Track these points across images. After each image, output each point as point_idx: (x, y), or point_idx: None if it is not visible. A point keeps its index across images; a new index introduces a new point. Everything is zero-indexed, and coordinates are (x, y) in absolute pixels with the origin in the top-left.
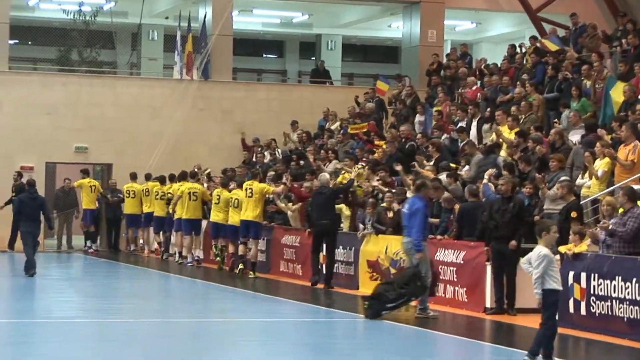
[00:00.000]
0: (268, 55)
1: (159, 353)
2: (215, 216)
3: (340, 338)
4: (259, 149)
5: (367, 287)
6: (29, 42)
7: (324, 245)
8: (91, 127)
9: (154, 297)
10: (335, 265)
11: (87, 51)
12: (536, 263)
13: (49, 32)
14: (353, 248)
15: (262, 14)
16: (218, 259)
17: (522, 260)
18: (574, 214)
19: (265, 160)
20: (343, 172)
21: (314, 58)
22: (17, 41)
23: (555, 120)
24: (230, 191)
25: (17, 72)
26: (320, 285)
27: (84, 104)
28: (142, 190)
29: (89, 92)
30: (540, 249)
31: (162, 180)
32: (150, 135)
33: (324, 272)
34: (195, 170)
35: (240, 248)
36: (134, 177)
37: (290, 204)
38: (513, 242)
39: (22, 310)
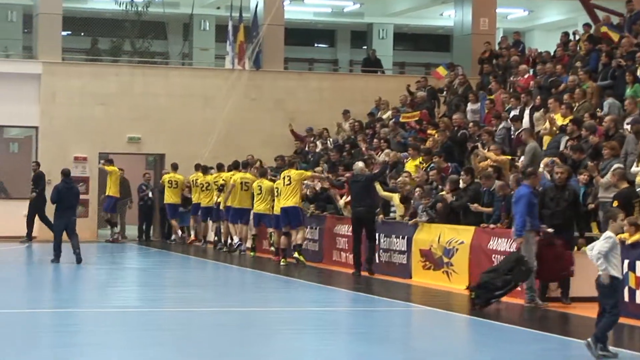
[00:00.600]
0: (319, 45)
1: (211, 342)
2: (258, 206)
3: (391, 326)
4: (312, 138)
5: (419, 276)
6: (82, 34)
7: (364, 233)
8: (144, 117)
9: (206, 286)
10: (388, 253)
11: (140, 42)
12: (602, 242)
13: (101, 23)
14: (406, 237)
15: (313, 3)
16: (252, 253)
17: (588, 247)
18: (615, 204)
19: (317, 150)
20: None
21: (365, 47)
22: (69, 32)
23: (598, 109)
24: (274, 181)
25: (70, 63)
26: (364, 273)
27: (137, 95)
28: (192, 181)
29: (142, 83)
30: (608, 233)
31: (204, 170)
32: (203, 125)
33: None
34: (248, 160)
35: (283, 240)
36: (175, 167)
37: (337, 196)
38: (581, 241)
39: (73, 299)
